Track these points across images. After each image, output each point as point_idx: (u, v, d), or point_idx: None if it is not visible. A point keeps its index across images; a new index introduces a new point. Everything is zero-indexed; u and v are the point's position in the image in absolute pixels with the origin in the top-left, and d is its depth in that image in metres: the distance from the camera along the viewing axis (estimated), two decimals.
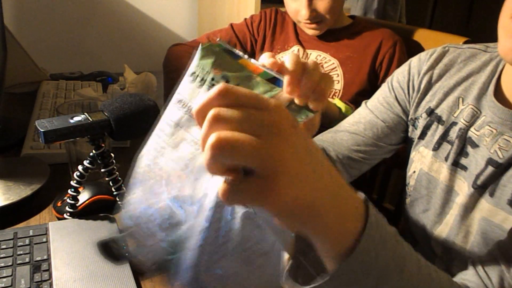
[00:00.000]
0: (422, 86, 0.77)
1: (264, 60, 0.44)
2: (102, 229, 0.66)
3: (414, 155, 0.78)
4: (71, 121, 0.59)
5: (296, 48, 1.24)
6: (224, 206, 0.43)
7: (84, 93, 1.17)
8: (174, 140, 0.46)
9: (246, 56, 0.45)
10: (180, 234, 0.45)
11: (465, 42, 1.01)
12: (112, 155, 0.65)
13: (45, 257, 0.60)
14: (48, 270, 0.58)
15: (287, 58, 0.43)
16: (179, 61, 1.21)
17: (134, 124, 0.63)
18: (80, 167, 0.65)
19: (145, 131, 0.65)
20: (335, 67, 1.18)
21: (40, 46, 1.79)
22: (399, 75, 0.81)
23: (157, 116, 0.64)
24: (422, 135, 0.76)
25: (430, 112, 0.75)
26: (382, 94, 0.83)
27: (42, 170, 0.78)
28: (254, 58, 1.03)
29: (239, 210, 0.43)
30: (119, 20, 1.95)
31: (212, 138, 0.30)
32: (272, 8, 1.34)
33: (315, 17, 1.15)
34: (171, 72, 1.22)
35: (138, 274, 0.60)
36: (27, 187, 0.73)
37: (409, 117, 0.79)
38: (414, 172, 0.77)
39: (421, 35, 1.16)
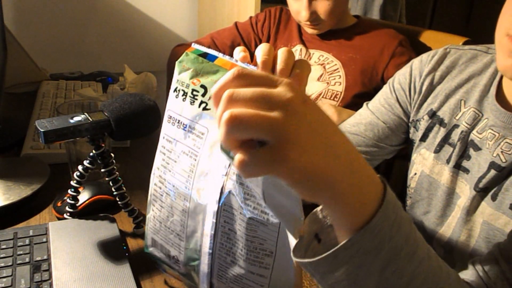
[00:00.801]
0: (424, 88, 0.77)
1: (236, 55, 0.45)
2: (102, 229, 0.66)
3: (415, 157, 0.78)
4: (71, 121, 0.59)
5: (298, 48, 1.24)
6: (226, 212, 0.46)
7: (84, 93, 1.17)
8: (174, 154, 0.50)
9: (221, 55, 0.46)
10: (195, 241, 0.50)
11: (465, 42, 1.01)
12: (112, 155, 0.65)
13: (45, 257, 0.60)
14: (48, 270, 0.58)
15: (258, 49, 0.44)
16: None
17: (134, 124, 0.63)
18: (80, 167, 0.65)
19: (145, 131, 0.66)
20: (338, 68, 1.18)
21: (40, 46, 1.79)
22: (400, 77, 0.81)
23: (157, 116, 0.65)
24: (424, 137, 0.76)
25: (432, 115, 0.75)
26: (384, 95, 0.83)
27: (42, 170, 0.78)
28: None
29: (241, 215, 0.46)
30: (119, 20, 1.95)
31: (226, 114, 0.32)
32: (277, 6, 1.34)
33: (314, 19, 1.15)
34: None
35: (138, 274, 0.60)
36: (27, 187, 0.73)
37: (410, 119, 0.79)
38: (416, 174, 0.77)
39: (421, 35, 1.16)
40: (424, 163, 0.75)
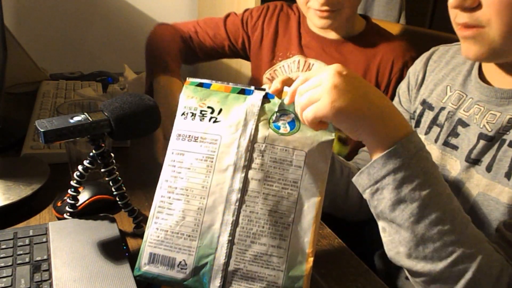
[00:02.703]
0: (418, 81, 0.85)
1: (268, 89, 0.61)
2: (102, 229, 0.66)
3: None
4: (71, 121, 0.59)
5: (297, 59, 1.12)
6: (248, 197, 0.56)
7: (84, 93, 1.17)
8: (186, 163, 0.58)
9: (214, 82, 0.61)
10: (211, 235, 0.56)
11: None
12: (112, 155, 0.65)
13: (45, 257, 0.60)
14: (48, 270, 0.58)
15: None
16: (162, 39, 1.11)
17: (134, 124, 0.63)
18: (80, 167, 0.64)
19: (145, 131, 0.66)
20: None
21: (40, 46, 1.79)
22: (402, 85, 0.90)
23: (157, 116, 0.65)
24: (417, 124, 0.82)
25: (423, 102, 0.82)
26: None
27: (42, 170, 0.78)
28: (247, 56, 1.11)
29: (263, 195, 0.56)
30: (119, 20, 1.95)
31: (307, 114, 0.55)
32: (276, 2, 1.19)
33: (332, 3, 0.97)
34: (153, 51, 1.09)
35: None
36: (27, 187, 0.73)
37: (411, 113, 0.86)
38: None
39: (421, 35, 1.16)
40: None
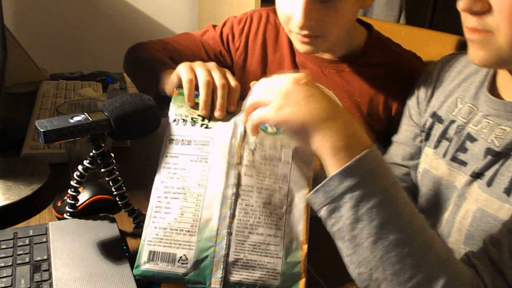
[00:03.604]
0: (428, 93, 0.81)
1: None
2: (102, 229, 0.66)
3: (422, 157, 0.80)
4: (71, 121, 0.59)
5: None
6: (243, 191, 0.60)
7: (84, 93, 1.17)
8: (181, 164, 0.61)
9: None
10: (211, 228, 0.58)
11: (465, 42, 1.01)
12: (112, 155, 0.65)
13: (45, 257, 0.60)
14: (48, 270, 0.58)
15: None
16: (149, 52, 0.94)
17: (134, 124, 0.63)
18: (80, 167, 0.64)
19: (145, 131, 0.66)
20: None
21: (40, 46, 1.79)
22: (411, 98, 0.85)
23: (157, 116, 0.65)
24: (427, 137, 0.78)
25: (433, 115, 0.78)
26: (404, 124, 0.86)
27: (42, 170, 0.78)
28: (231, 69, 1.06)
29: (256, 189, 0.60)
30: (119, 20, 1.95)
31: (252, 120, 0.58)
32: (262, 11, 1.01)
33: (313, 28, 0.81)
34: (142, 63, 0.91)
35: None
36: (27, 187, 0.73)
37: (421, 126, 0.82)
38: (419, 172, 0.79)
39: (421, 35, 1.16)
40: (426, 160, 0.78)
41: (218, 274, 0.57)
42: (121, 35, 1.95)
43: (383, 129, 0.92)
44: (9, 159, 0.87)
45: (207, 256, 0.57)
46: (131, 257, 0.62)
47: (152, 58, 0.90)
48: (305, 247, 0.59)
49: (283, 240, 0.59)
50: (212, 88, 0.67)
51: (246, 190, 0.60)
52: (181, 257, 0.57)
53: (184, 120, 0.65)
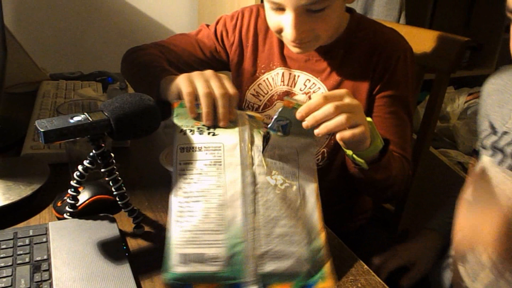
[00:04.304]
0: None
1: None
2: (102, 229, 0.66)
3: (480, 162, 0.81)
4: (71, 121, 0.59)
5: (280, 72, 0.97)
6: (260, 189, 0.64)
7: (84, 93, 1.17)
8: (197, 170, 0.64)
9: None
10: (236, 225, 0.61)
11: (465, 42, 1.01)
12: (112, 155, 0.65)
13: (45, 257, 0.60)
14: (48, 270, 0.58)
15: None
16: (145, 57, 0.94)
17: (134, 124, 0.63)
18: (80, 167, 0.64)
19: (145, 131, 0.66)
20: None
21: (40, 46, 1.79)
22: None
23: (157, 116, 0.65)
24: (484, 145, 0.79)
25: (490, 126, 0.79)
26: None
27: (42, 170, 0.78)
28: (227, 66, 1.08)
29: (272, 186, 0.64)
30: (119, 20, 1.95)
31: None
32: (252, 7, 1.03)
33: (304, 38, 0.84)
34: (140, 65, 0.92)
35: (138, 274, 0.60)
36: (27, 187, 0.73)
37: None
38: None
39: (421, 35, 1.16)
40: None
41: (251, 267, 0.59)
42: (121, 35, 1.95)
43: (366, 106, 0.93)
44: (9, 159, 0.87)
45: (238, 252, 0.59)
46: (131, 257, 0.62)
47: (151, 64, 0.91)
48: (323, 234, 0.63)
49: (304, 230, 0.63)
50: (212, 98, 0.69)
51: (262, 187, 0.64)
52: (211, 255, 0.59)
53: (190, 130, 0.67)
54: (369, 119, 0.75)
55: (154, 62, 0.91)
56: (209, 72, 0.75)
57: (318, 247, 0.63)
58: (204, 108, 0.69)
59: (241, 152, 0.66)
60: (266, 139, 0.67)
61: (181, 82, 0.73)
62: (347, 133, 0.69)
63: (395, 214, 1.16)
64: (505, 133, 0.75)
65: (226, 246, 0.60)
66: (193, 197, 0.62)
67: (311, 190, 0.66)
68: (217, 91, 0.70)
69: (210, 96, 0.69)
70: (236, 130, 0.69)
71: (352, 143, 0.73)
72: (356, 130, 0.69)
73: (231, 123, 0.70)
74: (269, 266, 0.60)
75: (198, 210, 0.61)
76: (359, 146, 0.75)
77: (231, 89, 0.72)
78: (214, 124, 0.69)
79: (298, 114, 0.67)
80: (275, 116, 0.67)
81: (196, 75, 0.73)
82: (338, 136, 0.70)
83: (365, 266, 0.66)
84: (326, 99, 0.67)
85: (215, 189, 0.62)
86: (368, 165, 0.79)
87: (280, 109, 0.67)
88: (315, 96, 0.68)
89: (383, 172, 0.82)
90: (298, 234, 0.62)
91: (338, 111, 0.67)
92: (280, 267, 0.60)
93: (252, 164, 0.65)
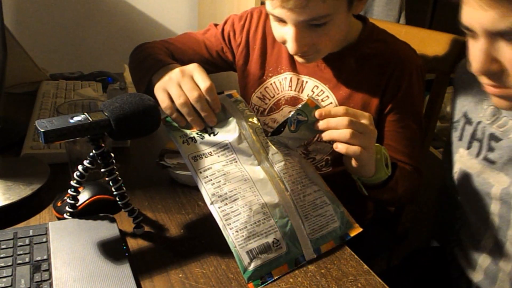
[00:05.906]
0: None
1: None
2: (102, 229, 0.66)
3: (456, 157, 0.83)
4: (71, 121, 0.59)
5: (288, 77, 0.96)
6: (286, 170, 0.70)
7: (84, 93, 1.17)
8: (219, 172, 0.66)
9: None
10: (280, 208, 0.66)
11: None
12: (112, 155, 0.65)
13: (45, 257, 0.60)
14: (48, 270, 0.58)
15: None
16: (149, 50, 0.94)
17: (134, 124, 0.63)
18: (80, 167, 0.64)
19: (145, 131, 0.66)
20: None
21: (40, 46, 1.78)
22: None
23: (157, 116, 0.65)
24: (461, 137, 0.81)
25: (464, 115, 0.82)
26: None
27: (42, 170, 0.78)
28: (233, 67, 1.07)
29: (295, 166, 0.71)
30: (119, 20, 1.95)
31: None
32: (262, 8, 1.00)
33: (307, 51, 0.83)
34: (142, 57, 0.92)
35: (138, 274, 0.60)
36: (27, 187, 0.73)
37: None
38: (456, 172, 0.83)
39: (421, 35, 1.16)
40: (461, 160, 0.81)
41: (304, 236, 0.66)
42: (121, 35, 1.95)
43: (376, 118, 0.91)
44: (9, 159, 0.87)
45: (289, 229, 0.65)
46: (131, 257, 0.62)
47: (150, 56, 0.90)
48: (329, 189, 0.73)
49: (321, 192, 0.71)
50: (190, 105, 0.70)
51: (280, 166, 0.70)
52: (273, 241, 0.64)
53: (191, 138, 0.69)
54: (384, 150, 0.76)
55: (152, 54, 0.90)
56: (179, 73, 0.72)
57: (336, 201, 0.72)
58: (187, 118, 0.70)
59: (248, 141, 0.70)
60: (282, 126, 0.72)
61: (158, 96, 0.73)
62: (342, 146, 0.70)
63: (395, 214, 1.16)
64: (479, 122, 0.77)
65: (278, 227, 0.65)
66: (229, 198, 0.65)
67: (312, 171, 0.74)
68: (191, 97, 0.69)
69: (187, 104, 0.69)
70: (233, 120, 0.71)
71: (348, 163, 0.75)
72: (352, 148, 0.69)
73: (222, 113, 0.72)
74: (315, 232, 0.68)
75: (240, 207, 0.64)
76: (358, 171, 0.76)
77: (203, 83, 0.70)
78: (205, 126, 0.71)
79: (318, 112, 0.70)
80: (298, 107, 0.70)
81: (169, 83, 0.72)
82: (334, 145, 0.71)
83: (365, 266, 0.66)
84: (346, 112, 0.69)
85: (244, 183, 0.66)
86: (373, 188, 0.80)
87: (303, 103, 0.70)
88: (340, 107, 0.71)
89: (389, 193, 0.83)
90: (322, 196, 0.71)
91: (349, 126, 0.68)
92: (323, 229, 0.68)
93: (262, 147, 0.70)
